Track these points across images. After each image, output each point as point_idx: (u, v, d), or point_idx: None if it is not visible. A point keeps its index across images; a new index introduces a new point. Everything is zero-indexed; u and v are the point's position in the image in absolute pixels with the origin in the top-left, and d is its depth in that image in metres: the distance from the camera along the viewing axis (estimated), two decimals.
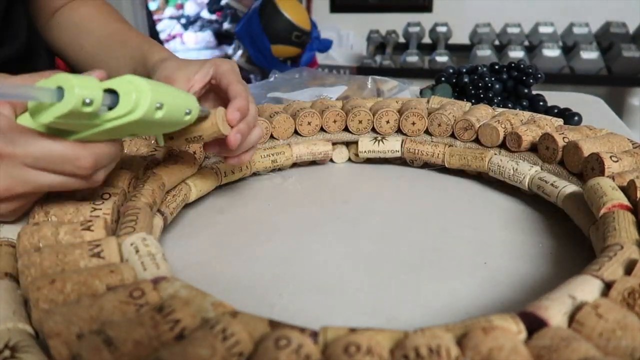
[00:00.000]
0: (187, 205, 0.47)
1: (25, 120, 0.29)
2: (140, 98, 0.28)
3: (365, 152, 0.54)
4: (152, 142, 0.46)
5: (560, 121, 0.52)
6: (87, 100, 0.26)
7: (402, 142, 0.53)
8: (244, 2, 2.60)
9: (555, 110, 0.64)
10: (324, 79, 0.81)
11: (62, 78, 0.25)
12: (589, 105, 0.81)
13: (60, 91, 0.25)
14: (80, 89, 0.25)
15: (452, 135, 0.52)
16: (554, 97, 0.79)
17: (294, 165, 0.56)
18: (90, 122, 0.28)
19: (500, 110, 0.54)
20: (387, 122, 0.54)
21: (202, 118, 0.36)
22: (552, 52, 1.80)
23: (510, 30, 1.95)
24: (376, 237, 0.42)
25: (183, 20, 3.17)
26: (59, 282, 0.25)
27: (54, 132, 0.29)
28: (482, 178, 0.52)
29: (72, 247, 0.28)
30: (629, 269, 0.26)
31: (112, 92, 0.28)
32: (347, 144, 0.57)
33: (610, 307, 0.23)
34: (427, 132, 0.54)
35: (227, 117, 0.38)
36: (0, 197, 0.30)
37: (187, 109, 0.33)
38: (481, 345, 0.21)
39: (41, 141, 0.29)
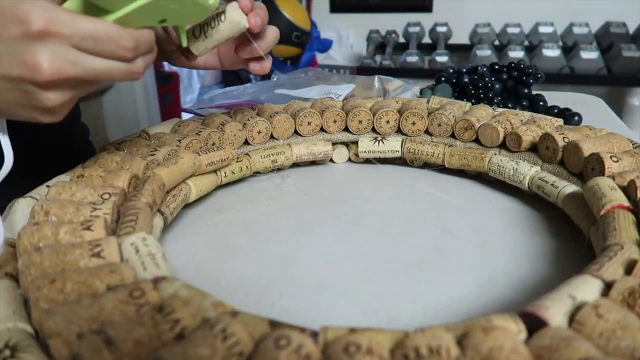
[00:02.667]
0: (187, 205, 0.47)
1: (66, 5, 0.30)
2: None
3: (365, 152, 0.54)
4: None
5: (560, 121, 0.52)
6: None
7: (402, 142, 0.53)
8: None
9: (555, 110, 0.64)
10: (329, 78, 0.81)
11: None
12: (589, 105, 0.81)
13: None
14: None
15: (452, 135, 0.52)
16: (554, 97, 0.79)
17: (294, 165, 0.56)
18: None
19: (500, 110, 0.54)
20: (387, 122, 0.54)
21: (217, 14, 0.40)
22: (552, 52, 1.80)
23: (510, 30, 1.95)
24: (376, 237, 0.42)
25: None
26: (59, 281, 0.25)
27: (91, 13, 0.30)
28: (482, 178, 0.52)
29: (72, 247, 0.28)
30: (629, 269, 0.26)
31: None
32: (347, 144, 0.57)
33: (610, 307, 0.23)
34: (427, 132, 0.54)
35: (240, 3, 0.40)
36: (52, 80, 0.29)
37: None
38: (481, 345, 0.21)
39: (85, 20, 0.29)
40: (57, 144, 0.57)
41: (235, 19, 0.40)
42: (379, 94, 0.74)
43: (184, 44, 0.40)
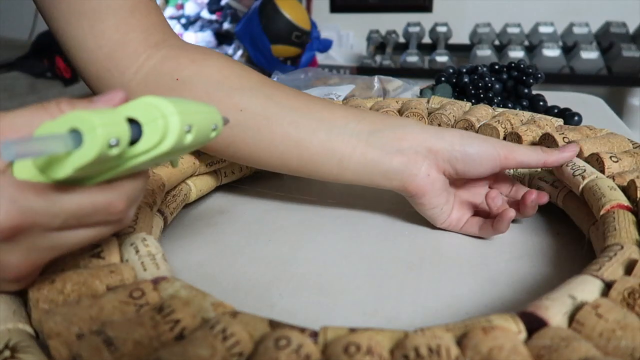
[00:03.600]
0: (187, 205, 0.47)
1: (23, 171, 0.22)
2: (168, 123, 0.22)
3: None
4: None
5: (560, 121, 0.52)
6: (113, 142, 0.20)
7: None
8: (244, 2, 2.60)
9: (555, 110, 0.64)
10: (329, 79, 0.81)
11: (75, 117, 0.20)
12: (589, 105, 0.81)
13: (75, 135, 0.19)
14: (103, 128, 0.19)
15: None
16: (554, 97, 0.79)
17: None
18: (112, 164, 0.22)
19: (500, 110, 0.54)
20: None
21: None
22: (552, 52, 1.80)
23: (510, 30, 1.95)
24: (376, 237, 0.42)
25: (183, 21, 3.17)
26: (59, 282, 0.25)
27: (67, 181, 0.22)
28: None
29: None
30: (629, 269, 0.26)
31: (132, 122, 0.22)
32: None
33: (610, 307, 0.23)
34: None
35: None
36: (22, 276, 0.24)
37: (213, 124, 0.27)
38: (481, 345, 0.21)
39: (64, 198, 0.22)
40: None
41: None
42: (378, 94, 0.74)
43: (176, 166, 0.33)
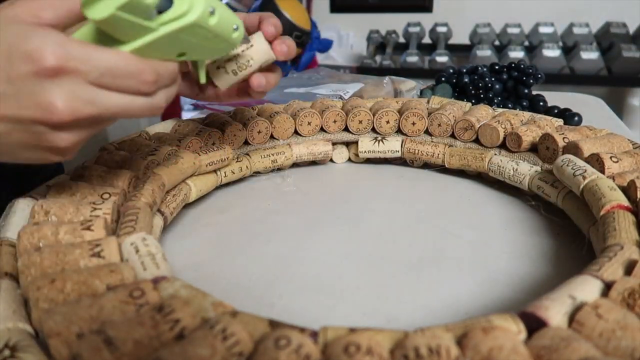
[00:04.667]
0: (187, 205, 0.47)
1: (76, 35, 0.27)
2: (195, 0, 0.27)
3: (365, 152, 0.54)
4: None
5: (560, 121, 0.52)
6: None
7: (402, 142, 0.53)
8: (244, 2, 2.60)
9: (555, 111, 0.64)
10: (341, 77, 0.81)
11: None
12: (589, 105, 0.81)
13: None
14: None
15: (452, 136, 0.52)
16: (554, 97, 0.79)
17: (294, 165, 0.56)
18: (144, 25, 0.26)
19: (500, 110, 0.54)
20: (387, 122, 0.54)
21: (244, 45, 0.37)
22: (552, 52, 1.80)
23: (510, 30, 1.95)
24: (376, 237, 0.42)
25: None
26: (59, 281, 0.25)
27: (103, 44, 0.27)
28: (482, 178, 0.52)
29: (72, 247, 0.28)
30: (629, 269, 0.26)
31: None
32: (347, 144, 0.57)
33: (610, 307, 0.23)
34: (427, 132, 0.54)
35: (264, 31, 0.38)
36: (67, 121, 0.26)
37: (234, 24, 0.31)
38: (481, 345, 0.21)
39: (102, 53, 0.26)
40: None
41: (263, 50, 0.38)
42: (390, 95, 0.74)
43: (202, 80, 0.36)
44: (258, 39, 0.38)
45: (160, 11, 0.26)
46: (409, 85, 0.76)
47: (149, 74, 0.27)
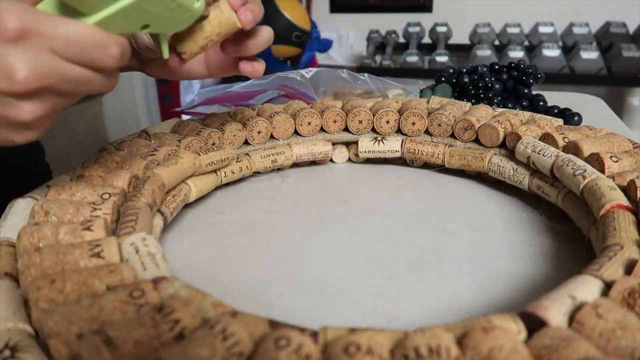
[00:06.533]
0: (187, 205, 0.47)
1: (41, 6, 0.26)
2: None
3: (365, 152, 0.54)
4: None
5: (560, 121, 0.52)
6: None
7: (402, 142, 0.53)
8: None
9: (555, 110, 0.64)
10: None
11: None
12: (589, 105, 0.81)
13: None
14: None
15: (452, 135, 0.52)
16: (554, 97, 0.79)
17: (294, 165, 0.56)
18: None
19: (500, 110, 0.54)
20: (387, 122, 0.54)
21: (204, 17, 0.35)
22: (552, 52, 1.80)
23: (510, 30, 1.95)
24: (376, 237, 0.42)
25: None
26: (59, 282, 0.25)
27: (67, 16, 0.26)
28: (482, 178, 0.52)
29: (72, 247, 0.28)
30: (629, 269, 0.26)
31: None
32: (347, 144, 0.57)
33: (610, 307, 0.23)
34: (427, 132, 0.54)
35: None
36: (31, 89, 0.24)
37: None
38: (481, 345, 0.21)
39: (69, 23, 0.25)
40: (6, 164, 0.52)
41: (228, 19, 0.36)
42: (369, 89, 0.73)
43: (165, 55, 0.35)
44: (223, 6, 0.37)
45: None
46: (396, 91, 0.75)
47: (116, 48, 0.27)
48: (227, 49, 0.40)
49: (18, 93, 0.24)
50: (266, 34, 0.40)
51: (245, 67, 0.41)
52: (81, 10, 0.26)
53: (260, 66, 0.41)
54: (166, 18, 0.31)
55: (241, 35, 0.39)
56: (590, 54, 1.76)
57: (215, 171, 0.48)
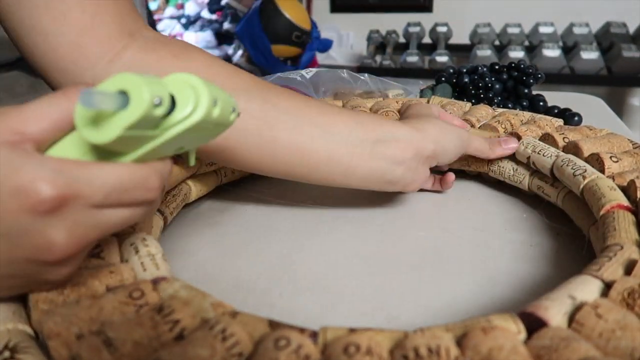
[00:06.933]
0: (187, 205, 0.47)
1: (59, 151, 0.23)
2: (199, 95, 0.23)
3: None
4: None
5: (560, 121, 0.52)
6: (157, 101, 0.21)
7: None
8: (244, 2, 2.60)
9: (555, 110, 0.64)
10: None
11: (123, 78, 0.21)
12: (589, 105, 0.81)
13: (123, 95, 0.21)
14: (148, 87, 0.21)
15: None
16: (554, 97, 0.79)
17: None
18: (149, 134, 0.23)
19: (500, 110, 0.54)
20: None
21: None
22: (552, 52, 1.80)
23: (510, 30, 1.95)
24: (376, 237, 0.42)
25: (183, 20, 3.17)
26: None
27: (104, 157, 0.23)
28: (482, 178, 0.52)
29: None
30: (629, 269, 0.26)
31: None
32: None
33: (610, 307, 0.23)
34: None
35: None
36: (65, 258, 0.22)
37: (232, 106, 0.27)
38: (481, 345, 0.21)
39: (105, 170, 0.22)
40: None
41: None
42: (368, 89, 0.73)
43: (192, 163, 0.31)
44: None
45: (165, 115, 0.23)
46: (396, 91, 0.75)
47: (155, 178, 0.24)
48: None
49: (56, 262, 0.23)
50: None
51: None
52: (119, 151, 0.23)
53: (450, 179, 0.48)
54: (201, 137, 0.27)
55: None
56: (590, 54, 1.76)
57: (215, 171, 0.48)
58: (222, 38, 2.95)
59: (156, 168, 0.25)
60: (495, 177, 0.48)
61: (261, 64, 2.12)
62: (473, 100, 0.68)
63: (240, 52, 2.26)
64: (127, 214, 0.24)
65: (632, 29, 1.82)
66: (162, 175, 0.25)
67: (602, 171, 0.38)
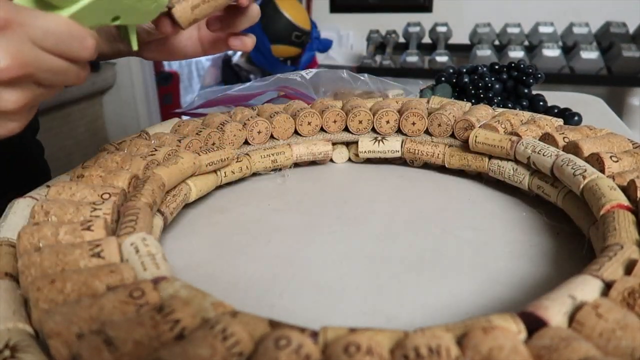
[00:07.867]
0: (187, 205, 0.47)
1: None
2: None
3: (365, 152, 0.54)
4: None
5: (560, 121, 0.52)
6: None
7: (402, 142, 0.53)
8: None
9: (555, 110, 0.64)
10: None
11: None
12: (589, 105, 0.81)
13: None
14: None
15: (452, 135, 0.52)
16: (554, 97, 0.79)
17: (294, 165, 0.56)
18: None
19: (500, 110, 0.54)
20: (387, 122, 0.54)
21: (169, 8, 0.35)
22: (552, 52, 1.80)
23: (510, 30, 1.95)
24: (376, 237, 0.42)
25: None
26: (59, 282, 0.25)
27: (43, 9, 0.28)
28: (482, 178, 0.52)
29: (72, 247, 0.28)
30: (629, 269, 0.26)
31: None
32: (347, 144, 0.57)
33: (610, 307, 0.23)
34: (427, 132, 0.54)
35: None
36: (14, 76, 0.25)
37: None
38: (481, 345, 0.21)
39: (48, 15, 0.26)
40: (6, 161, 0.53)
41: None
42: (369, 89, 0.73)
43: (135, 46, 0.36)
44: None
45: None
46: (396, 91, 0.75)
47: (90, 40, 0.28)
48: (212, 26, 0.42)
49: (1, 81, 0.25)
50: (254, 11, 0.42)
51: (234, 42, 0.44)
52: (56, 4, 0.28)
53: (249, 40, 0.44)
54: (135, 10, 0.32)
55: (229, 12, 0.41)
56: (590, 54, 1.76)
57: (215, 171, 0.48)
58: None
59: (92, 33, 0.29)
60: (495, 177, 0.48)
61: (261, 64, 2.12)
62: (473, 100, 0.68)
63: (240, 52, 2.26)
64: (62, 64, 0.28)
65: (632, 29, 1.82)
66: (97, 39, 0.29)
67: (602, 171, 0.38)
